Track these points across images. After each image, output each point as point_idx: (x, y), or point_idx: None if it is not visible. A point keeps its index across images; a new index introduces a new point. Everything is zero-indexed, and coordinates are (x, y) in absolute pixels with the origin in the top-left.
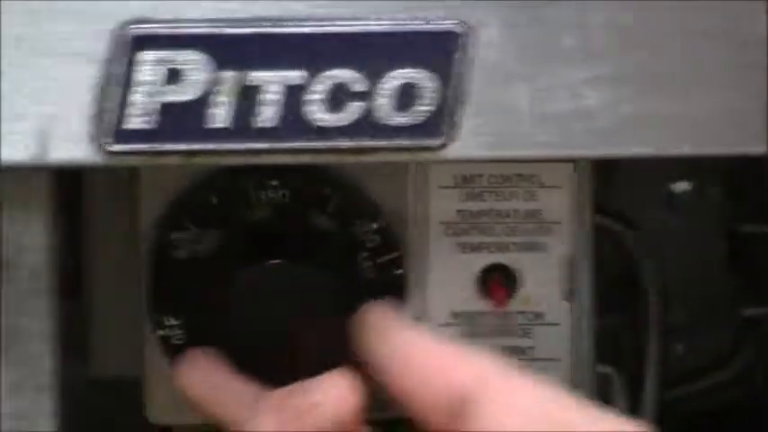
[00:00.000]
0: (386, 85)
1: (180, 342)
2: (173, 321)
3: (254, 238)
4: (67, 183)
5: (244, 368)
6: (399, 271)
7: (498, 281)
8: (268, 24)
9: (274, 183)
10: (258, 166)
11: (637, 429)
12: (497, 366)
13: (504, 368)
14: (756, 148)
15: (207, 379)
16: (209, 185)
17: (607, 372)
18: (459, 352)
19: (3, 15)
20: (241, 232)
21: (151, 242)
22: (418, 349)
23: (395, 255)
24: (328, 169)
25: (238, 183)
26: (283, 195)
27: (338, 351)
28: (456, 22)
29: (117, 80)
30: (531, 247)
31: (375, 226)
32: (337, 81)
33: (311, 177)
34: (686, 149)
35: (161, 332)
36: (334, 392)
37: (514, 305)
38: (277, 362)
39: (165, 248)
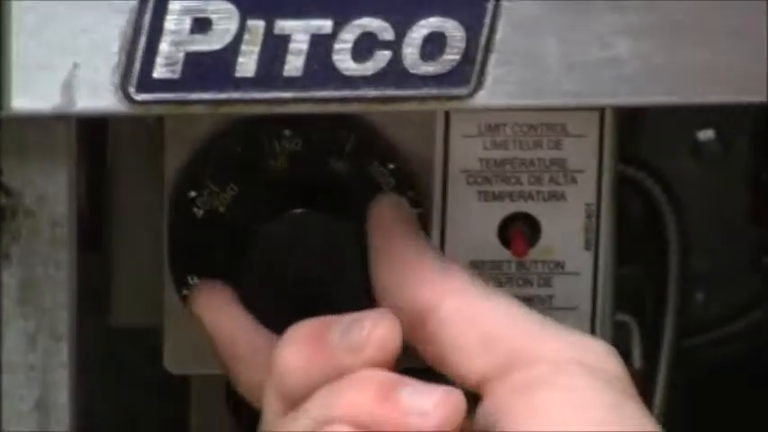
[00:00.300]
0: (413, 35)
1: None
2: (195, 280)
3: (272, 189)
4: (92, 133)
5: (267, 323)
6: (419, 210)
7: (520, 230)
8: None
9: (288, 132)
10: (271, 117)
11: (574, 354)
12: (463, 285)
13: (470, 288)
14: None
15: (224, 308)
16: (226, 139)
17: (626, 320)
18: (432, 267)
19: None
20: (258, 184)
21: (171, 201)
22: (400, 258)
23: (412, 194)
24: (344, 114)
25: (253, 135)
26: (297, 144)
27: (364, 297)
28: None
29: (144, 29)
30: (554, 197)
31: (392, 166)
32: (365, 30)
33: (324, 123)
34: (712, 98)
35: (184, 291)
36: (379, 333)
37: (535, 254)
38: (302, 314)
39: (183, 208)
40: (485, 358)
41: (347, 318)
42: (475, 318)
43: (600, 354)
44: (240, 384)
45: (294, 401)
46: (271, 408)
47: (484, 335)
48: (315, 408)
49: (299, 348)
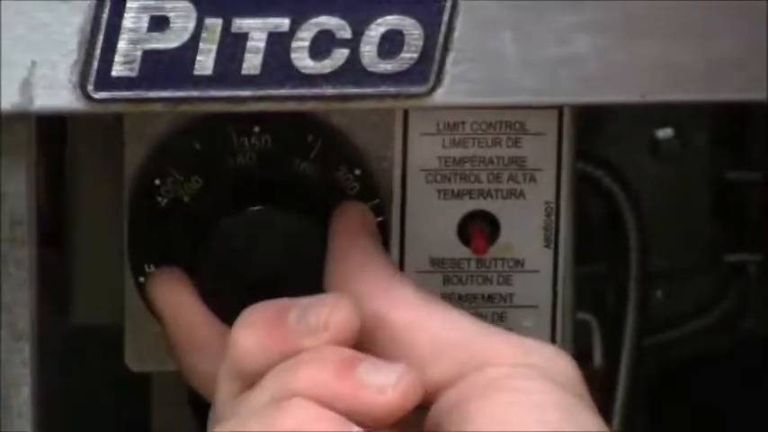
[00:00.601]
0: (371, 33)
1: None
2: (153, 268)
3: (237, 185)
4: (51, 130)
5: (224, 316)
6: (380, 218)
7: (479, 228)
8: None
9: (257, 129)
10: (241, 113)
11: (527, 358)
12: (412, 298)
13: (419, 300)
14: (753, 95)
15: (182, 296)
16: (192, 132)
17: (587, 318)
18: (384, 279)
19: None
20: (223, 179)
21: (133, 189)
22: (355, 267)
23: (376, 201)
24: (311, 116)
25: (221, 129)
26: (265, 142)
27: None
28: None
29: (102, 27)
30: (514, 194)
31: (358, 172)
32: (323, 28)
33: (294, 124)
34: (672, 96)
35: (141, 279)
36: (338, 316)
37: (495, 252)
38: None
39: (147, 195)
40: (437, 368)
41: (304, 301)
42: (425, 328)
43: (552, 357)
44: (195, 375)
45: (250, 385)
46: (225, 390)
47: (435, 345)
48: (273, 383)
49: (257, 330)
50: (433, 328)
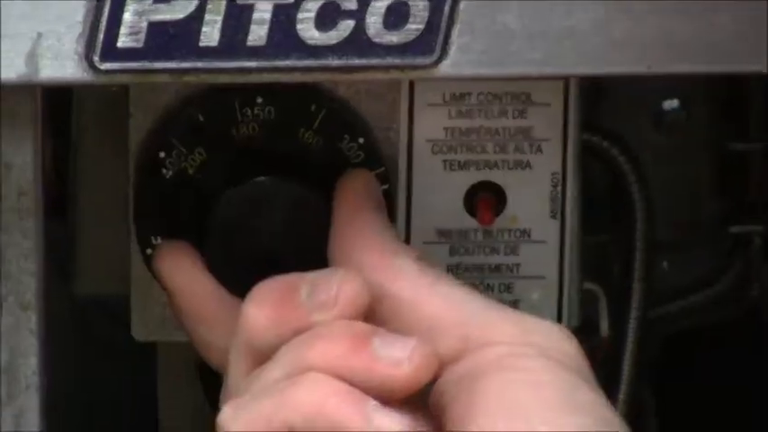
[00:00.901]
0: (377, 4)
1: None
2: (159, 240)
3: (241, 156)
4: (56, 101)
5: (231, 287)
6: (386, 186)
7: (485, 199)
8: None
9: (260, 100)
10: (245, 84)
11: (527, 337)
12: (414, 272)
13: (421, 275)
14: (753, 66)
15: (190, 269)
16: (196, 103)
17: (593, 288)
18: (386, 252)
19: None
20: (228, 150)
21: (139, 161)
22: (357, 239)
23: (381, 169)
24: (313, 85)
25: (225, 100)
26: (269, 112)
27: (323, 268)
28: None
29: None
30: (520, 165)
31: (362, 141)
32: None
33: (296, 94)
34: (678, 68)
35: (148, 251)
36: (348, 291)
37: (501, 223)
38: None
39: (152, 168)
40: (438, 345)
41: (313, 275)
42: (426, 304)
43: (552, 335)
44: (205, 348)
45: (262, 361)
46: (238, 368)
47: (436, 322)
48: (286, 359)
49: (267, 306)
50: (435, 305)
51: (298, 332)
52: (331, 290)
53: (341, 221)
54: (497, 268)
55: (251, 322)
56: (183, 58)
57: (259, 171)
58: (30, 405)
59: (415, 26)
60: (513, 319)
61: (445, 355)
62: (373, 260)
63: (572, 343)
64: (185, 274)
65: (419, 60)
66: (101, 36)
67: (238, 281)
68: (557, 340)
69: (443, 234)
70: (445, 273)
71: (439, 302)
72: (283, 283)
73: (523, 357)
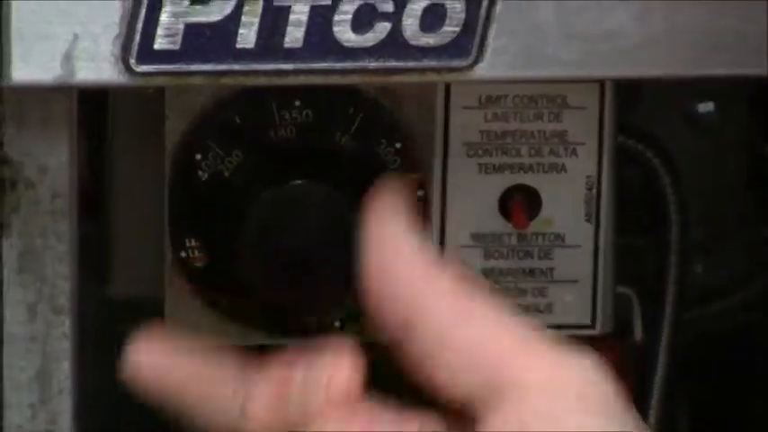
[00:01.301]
0: (413, 6)
1: (200, 264)
2: (194, 243)
3: (277, 159)
4: (92, 104)
5: (263, 290)
6: (421, 192)
7: (520, 202)
8: None
9: (297, 103)
10: (282, 87)
11: (563, 378)
12: (449, 296)
13: (455, 299)
14: None
15: (170, 363)
16: (233, 105)
17: (627, 292)
18: (419, 274)
19: None
20: (264, 152)
21: (174, 163)
22: (389, 258)
23: (417, 175)
24: (352, 88)
25: (262, 103)
26: (306, 115)
27: (353, 274)
28: None
29: (144, 0)
30: (555, 169)
31: (398, 146)
32: (365, 1)
33: (334, 97)
34: (712, 70)
35: (182, 254)
36: (339, 379)
37: (536, 226)
38: (297, 283)
39: (188, 169)
40: (469, 377)
41: (306, 361)
42: (460, 335)
43: (587, 371)
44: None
45: None
46: None
47: (468, 354)
48: None
49: (267, 403)
50: (469, 336)
51: (297, 410)
52: (323, 377)
53: (372, 237)
54: (531, 272)
55: (250, 421)
56: (220, 60)
57: (295, 174)
58: (63, 409)
59: (451, 28)
60: (547, 357)
61: (473, 390)
62: (404, 287)
63: (605, 377)
64: (174, 370)
65: (455, 63)
66: (137, 38)
67: (271, 283)
68: (591, 376)
69: (478, 238)
70: (481, 295)
71: (473, 335)
72: (278, 377)
73: (555, 401)
